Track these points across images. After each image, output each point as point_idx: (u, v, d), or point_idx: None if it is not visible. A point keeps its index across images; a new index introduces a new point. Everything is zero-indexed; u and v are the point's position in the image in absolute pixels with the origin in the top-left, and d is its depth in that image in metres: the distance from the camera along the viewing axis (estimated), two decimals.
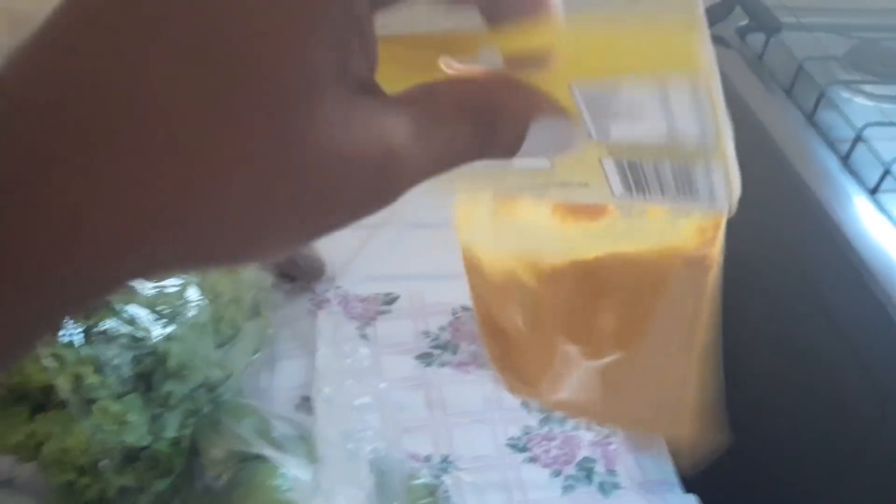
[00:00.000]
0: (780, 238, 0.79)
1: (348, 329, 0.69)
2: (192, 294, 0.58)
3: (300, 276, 0.76)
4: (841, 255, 0.67)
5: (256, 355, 0.66)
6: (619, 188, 0.24)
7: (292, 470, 0.55)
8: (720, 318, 0.28)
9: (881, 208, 0.68)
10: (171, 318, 0.55)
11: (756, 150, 0.83)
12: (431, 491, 0.58)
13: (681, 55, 0.18)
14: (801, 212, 0.74)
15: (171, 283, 0.57)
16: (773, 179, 0.79)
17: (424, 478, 0.58)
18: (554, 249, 0.29)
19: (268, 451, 0.55)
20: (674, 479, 0.63)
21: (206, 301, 0.59)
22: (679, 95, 0.20)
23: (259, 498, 0.53)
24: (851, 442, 0.68)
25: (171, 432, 0.54)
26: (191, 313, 0.57)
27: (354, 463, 0.50)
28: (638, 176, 0.23)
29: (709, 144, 0.21)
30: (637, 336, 0.29)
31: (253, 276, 0.68)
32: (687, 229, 0.26)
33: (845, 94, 0.80)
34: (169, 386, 0.54)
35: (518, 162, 0.21)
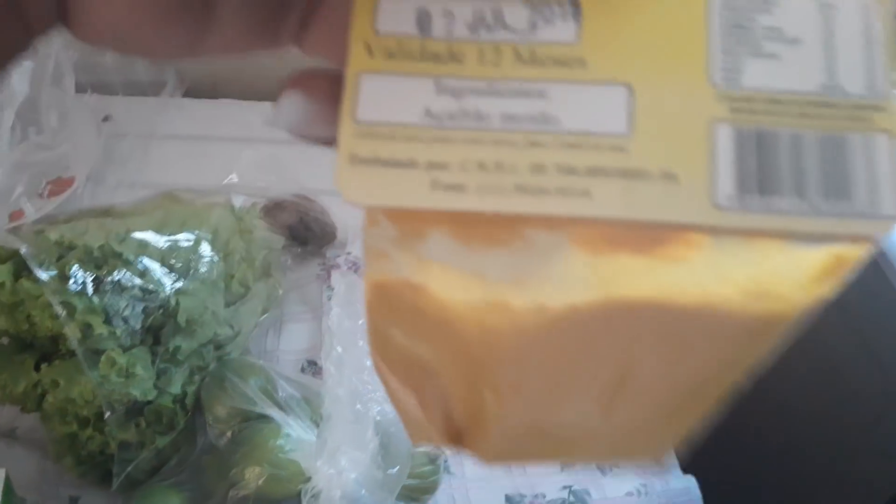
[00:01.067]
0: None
1: (360, 290, 0.69)
2: (205, 250, 0.58)
3: (312, 241, 0.76)
4: None
5: (265, 316, 0.66)
6: (728, 186, 0.15)
7: (296, 431, 0.55)
8: None
9: None
10: (183, 273, 0.55)
11: None
12: (432, 459, 0.58)
13: None
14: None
15: (185, 238, 0.57)
16: None
17: (428, 449, 0.58)
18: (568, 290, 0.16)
19: (272, 412, 0.55)
20: (673, 460, 0.63)
21: (218, 258, 0.59)
22: (846, 19, 0.15)
23: (261, 457, 0.53)
24: (856, 422, 0.68)
25: (176, 388, 0.54)
26: (203, 269, 0.57)
27: (360, 424, 0.50)
28: (769, 160, 0.15)
29: (880, 100, 0.15)
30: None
31: (264, 237, 0.68)
32: (808, 263, 0.15)
33: None
34: (177, 341, 0.54)
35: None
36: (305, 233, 0.75)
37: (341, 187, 0.17)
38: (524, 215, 0.16)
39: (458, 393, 0.18)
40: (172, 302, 0.53)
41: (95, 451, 0.53)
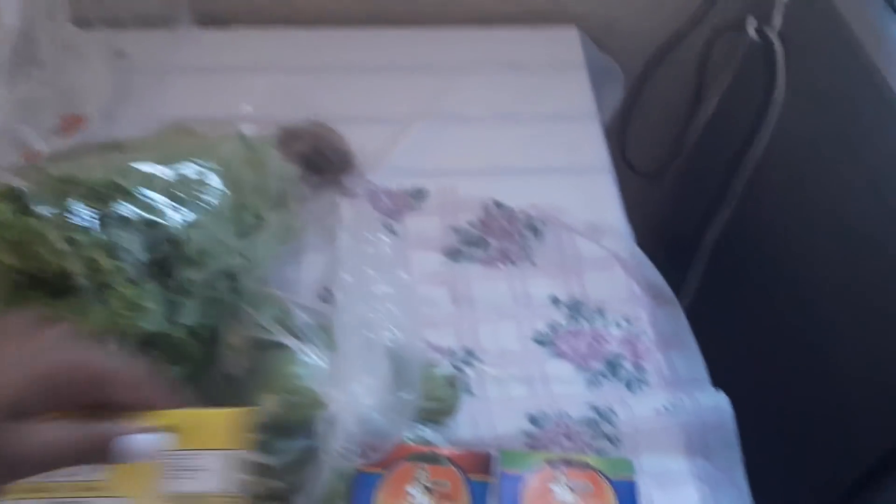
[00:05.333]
0: (845, 130, 0.74)
1: (371, 217, 0.68)
2: (214, 181, 0.57)
3: (329, 169, 0.74)
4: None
5: (282, 247, 0.66)
6: None
7: (312, 358, 0.55)
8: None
9: None
10: (191, 205, 0.55)
11: (827, 37, 0.77)
12: (451, 382, 0.57)
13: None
14: (873, 102, 0.68)
15: (192, 170, 0.56)
16: (844, 65, 0.73)
17: (446, 369, 0.57)
18: None
19: (287, 340, 0.55)
20: (704, 376, 0.62)
21: (228, 190, 0.58)
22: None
23: (277, 384, 0.53)
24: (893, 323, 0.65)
25: (189, 319, 0.54)
26: (212, 201, 0.57)
27: (371, 351, 0.50)
28: None
29: None
30: None
31: (279, 167, 0.67)
32: None
33: None
34: (187, 273, 0.54)
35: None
36: (322, 161, 0.73)
37: None
38: None
39: None
40: (181, 234, 0.53)
41: None
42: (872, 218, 0.68)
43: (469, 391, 0.61)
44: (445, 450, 0.56)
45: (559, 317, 0.66)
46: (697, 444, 0.57)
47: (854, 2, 0.73)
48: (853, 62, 0.71)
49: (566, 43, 0.91)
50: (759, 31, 0.83)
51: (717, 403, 0.59)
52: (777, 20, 0.82)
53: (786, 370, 0.82)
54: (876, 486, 0.65)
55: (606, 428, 0.58)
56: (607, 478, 0.55)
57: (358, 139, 0.77)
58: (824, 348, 0.75)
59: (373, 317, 0.51)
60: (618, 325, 0.66)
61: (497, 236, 0.72)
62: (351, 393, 0.48)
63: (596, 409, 0.60)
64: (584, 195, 0.76)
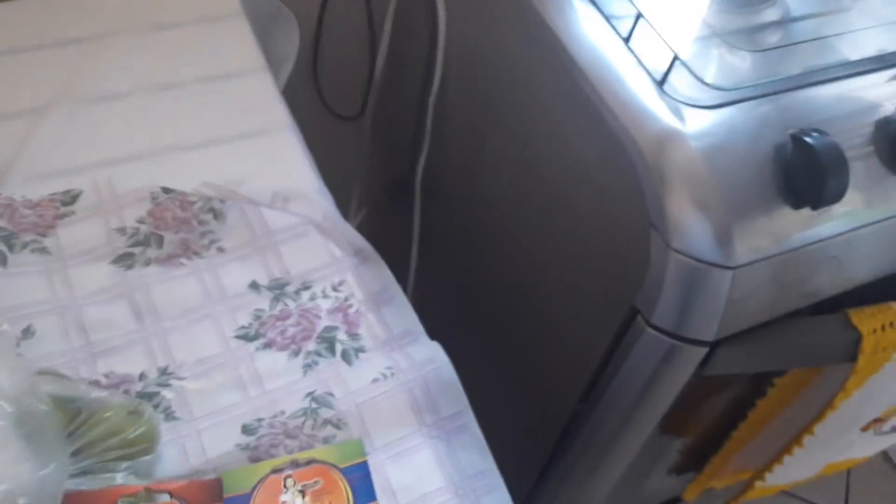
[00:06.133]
0: (496, 43, 0.73)
1: None
2: None
3: None
4: (553, 52, 0.63)
5: None
6: None
7: None
8: None
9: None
10: None
11: None
12: (135, 411, 0.49)
13: None
14: (513, 9, 0.67)
15: None
16: None
17: (125, 401, 0.49)
18: None
19: None
20: (418, 328, 0.59)
21: None
22: None
23: None
24: (579, 245, 0.67)
25: None
26: None
27: None
28: None
29: None
30: None
31: None
32: None
33: None
34: None
35: None
36: None
37: None
38: None
39: None
40: None
41: None
42: (535, 124, 0.69)
43: (171, 416, 0.53)
44: (164, 484, 0.49)
45: (262, 302, 0.60)
46: (422, 401, 0.55)
47: None
48: None
49: None
50: None
51: (433, 355, 0.57)
52: None
53: (500, 296, 0.84)
54: (601, 390, 0.68)
55: (327, 413, 0.54)
56: (336, 467, 0.51)
57: None
58: (529, 268, 0.76)
59: None
60: (325, 295, 0.61)
61: (172, 228, 0.63)
62: None
63: (312, 397, 0.55)
64: (266, 160, 0.68)
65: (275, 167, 0.68)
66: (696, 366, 0.61)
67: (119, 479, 0.48)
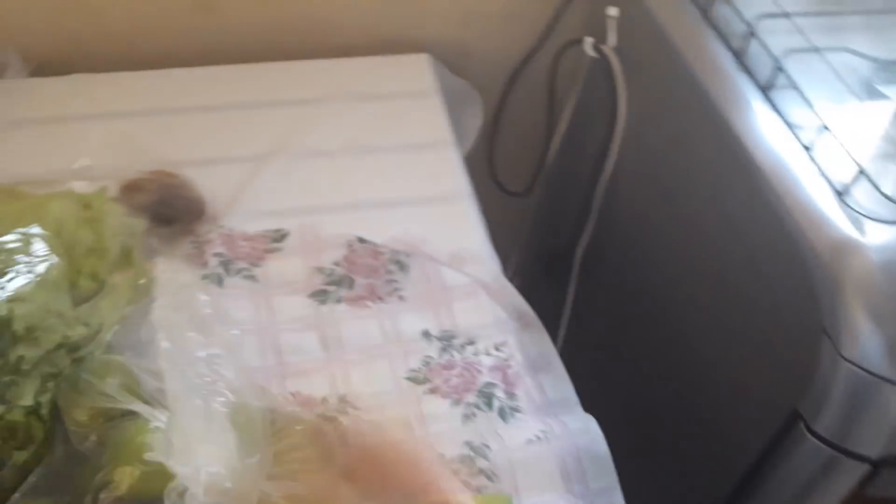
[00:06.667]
0: (677, 138, 0.77)
1: (187, 276, 0.65)
2: (39, 248, 0.53)
3: (178, 218, 0.71)
4: (734, 154, 0.66)
5: (130, 308, 0.61)
6: None
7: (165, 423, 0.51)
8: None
9: (773, 105, 0.66)
10: (13, 277, 0.50)
11: (655, 52, 0.80)
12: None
13: None
14: (696, 109, 0.71)
15: (10, 240, 0.51)
16: (671, 77, 0.76)
17: (312, 419, 0.55)
18: None
19: (137, 407, 0.51)
20: (573, 398, 0.62)
21: (56, 255, 0.54)
22: None
23: (130, 455, 0.49)
24: (746, 342, 0.68)
25: (27, 400, 0.50)
26: (38, 269, 0.52)
27: (207, 417, 0.47)
28: None
29: None
30: None
31: (119, 223, 0.63)
32: None
33: None
34: (19, 350, 0.50)
35: None
36: (169, 211, 0.70)
37: None
38: None
39: None
40: (3, 311, 0.48)
41: None
42: (710, 219, 0.71)
43: (344, 443, 0.59)
44: None
45: (431, 350, 0.66)
46: (573, 470, 0.58)
47: (672, 15, 0.77)
48: (675, 71, 0.74)
49: (418, 71, 0.91)
50: (596, 48, 0.86)
51: (587, 426, 0.59)
52: (612, 38, 0.85)
53: (656, 381, 0.85)
54: (751, 492, 0.67)
55: (482, 463, 0.58)
56: None
57: (209, 183, 0.73)
58: (690, 357, 0.77)
59: (200, 382, 0.48)
60: (487, 353, 0.66)
61: (363, 274, 0.70)
62: (193, 463, 0.45)
63: (470, 446, 0.59)
64: (447, 223, 0.75)
65: (454, 230, 0.75)
66: (857, 483, 0.60)
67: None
